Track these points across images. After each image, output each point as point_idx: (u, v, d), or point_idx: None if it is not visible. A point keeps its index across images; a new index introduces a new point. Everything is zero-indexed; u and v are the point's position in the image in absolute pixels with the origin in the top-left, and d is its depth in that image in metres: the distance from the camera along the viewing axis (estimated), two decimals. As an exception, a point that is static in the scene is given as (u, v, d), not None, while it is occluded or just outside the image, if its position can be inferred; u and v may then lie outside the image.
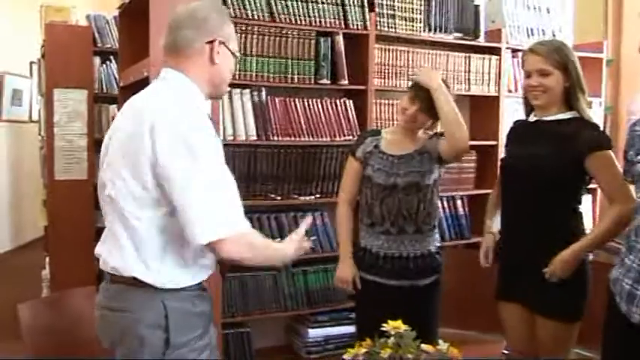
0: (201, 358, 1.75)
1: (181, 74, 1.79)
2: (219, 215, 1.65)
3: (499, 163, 2.64)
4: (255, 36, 3.28)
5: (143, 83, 2.86)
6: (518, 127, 2.59)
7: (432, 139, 2.67)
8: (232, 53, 1.89)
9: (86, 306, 2.70)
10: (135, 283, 1.70)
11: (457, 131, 2.50)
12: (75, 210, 4.24)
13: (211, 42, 1.80)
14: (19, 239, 7.15)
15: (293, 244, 1.92)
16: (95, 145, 4.37)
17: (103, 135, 4.70)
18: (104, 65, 4.65)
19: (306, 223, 2.00)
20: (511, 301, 2.46)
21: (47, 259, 4.48)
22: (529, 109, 2.51)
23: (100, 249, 1.81)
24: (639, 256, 1.90)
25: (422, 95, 2.56)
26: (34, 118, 6.66)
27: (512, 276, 2.44)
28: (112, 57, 4.61)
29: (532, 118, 2.47)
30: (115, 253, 1.72)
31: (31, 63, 6.22)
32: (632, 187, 2.06)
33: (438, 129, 2.69)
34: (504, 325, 2.53)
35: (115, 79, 4.51)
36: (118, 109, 3.82)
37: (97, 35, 4.56)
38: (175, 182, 1.62)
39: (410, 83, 2.76)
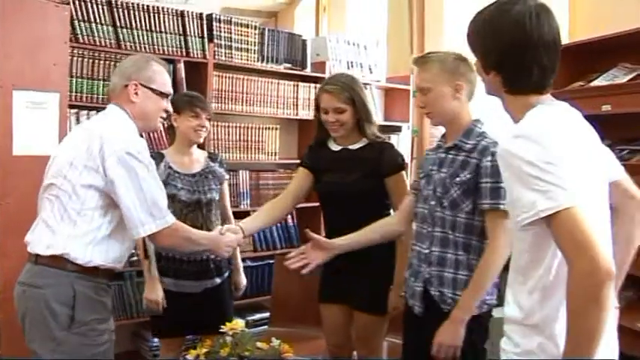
0: (102, 338, 2.10)
1: (119, 109, 2.20)
2: (152, 214, 2.07)
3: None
4: (102, 62, 3.46)
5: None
6: (324, 155, 2.76)
7: (214, 161, 2.96)
8: (157, 92, 2.24)
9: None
10: (55, 262, 2.03)
11: None
12: None
13: (126, 86, 2.19)
14: None
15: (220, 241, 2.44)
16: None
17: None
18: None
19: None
20: (332, 302, 2.74)
21: None
22: (323, 137, 2.75)
23: (30, 237, 2.13)
24: (420, 257, 2.29)
25: (207, 107, 2.89)
26: None
27: (334, 279, 2.71)
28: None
29: (336, 147, 2.72)
30: (46, 238, 2.06)
31: None
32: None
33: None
34: (324, 323, 2.80)
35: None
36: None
37: None
38: (117, 189, 2.02)
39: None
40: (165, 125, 2.85)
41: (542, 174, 1.37)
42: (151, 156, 2.87)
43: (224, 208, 3.07)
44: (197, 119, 2.83)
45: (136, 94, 2.20)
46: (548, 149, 1.39)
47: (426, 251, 2.27)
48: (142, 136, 2.27)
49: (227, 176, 3.07)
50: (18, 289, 2.11)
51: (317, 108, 2.71)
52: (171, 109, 2.33)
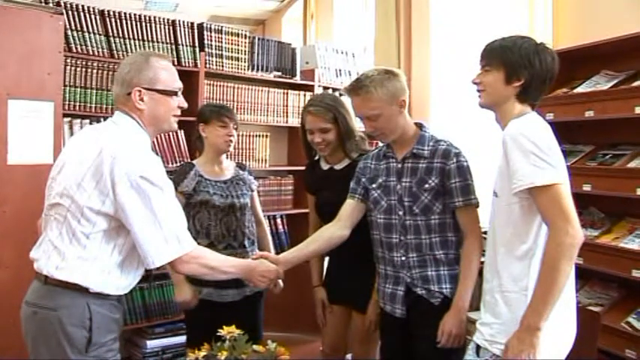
0: (116, 357, 2.00)
1: (128, 117, 2.03)
2: (167, 241, 1.93)
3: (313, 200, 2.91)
4: (95, 70, 3.49)
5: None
6: (317, 175, 2.87)
7: (243, 170, 3.02)
8: (164, 92, 2.05)
9: None
10: (68, 285, 1.90)
11: None
12: None
13: (129, 94, 2.01)
14: None
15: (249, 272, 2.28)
16: None
17: None
18: None
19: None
20: (335, 303, 2.81)
21: None
22: (311, 156, 2.88)
23: (36, 254, 1.99)
24: (395, 264, 2.37)
25: (235, 117, 2.92)
26: None
27: (337, 283, 2.80)
28: None
29: (325, 166, 2.82)
30: (55, 259, 1.92)
31: None
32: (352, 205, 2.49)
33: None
34: (324, 324, 2.86)
35: None
36: None
37: None
38: (129, 215, 1.88)
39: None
40: (194, 136, 2.93)
41: (542, 154, 1.76)
42: (182, 166, 2.90)
43: (256, 214, 3.10)
44: (225, 129, 2.88)
45: (142, 100, 2.02)
46: (548, 140, 1.82)
47: (403, 258, 2.37)
48: (157, 152, 2.16)
49: (257, 183, 3.13)
50: (26, 309, 1.97)
51: (303, 130, 2.78)
52: (185, 105, 2.16)
